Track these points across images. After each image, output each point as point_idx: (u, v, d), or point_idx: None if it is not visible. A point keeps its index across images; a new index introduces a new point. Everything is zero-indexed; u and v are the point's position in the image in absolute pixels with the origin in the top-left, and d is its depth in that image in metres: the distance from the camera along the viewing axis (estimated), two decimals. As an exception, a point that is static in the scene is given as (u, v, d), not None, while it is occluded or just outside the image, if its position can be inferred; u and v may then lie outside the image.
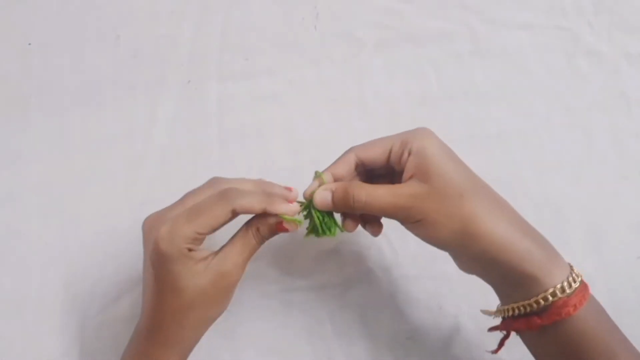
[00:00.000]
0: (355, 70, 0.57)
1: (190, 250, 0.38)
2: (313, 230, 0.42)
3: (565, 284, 0.36)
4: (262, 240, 0.40)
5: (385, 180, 0.43)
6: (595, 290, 0.51)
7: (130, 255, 0.52)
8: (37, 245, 0.52)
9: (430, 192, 0.37)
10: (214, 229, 0.38)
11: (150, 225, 0.39)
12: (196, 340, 0.41)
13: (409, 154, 0.38)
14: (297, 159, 0.55)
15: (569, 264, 0.39)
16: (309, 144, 0.55)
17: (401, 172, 0.39)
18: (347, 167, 0.41)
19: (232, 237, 0.41)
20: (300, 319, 0.51)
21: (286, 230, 0.40)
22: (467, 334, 0.49)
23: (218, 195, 0.38)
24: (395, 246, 0.52)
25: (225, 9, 0.59)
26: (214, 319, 0.41)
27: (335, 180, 0.41)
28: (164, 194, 0.53)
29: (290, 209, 0.39)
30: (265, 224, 0.40)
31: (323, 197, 0.40)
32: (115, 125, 0.55)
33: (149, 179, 0.54)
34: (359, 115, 0.56)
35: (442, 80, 0.57)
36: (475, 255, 0.38)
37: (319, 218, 0.40)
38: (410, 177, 0.38)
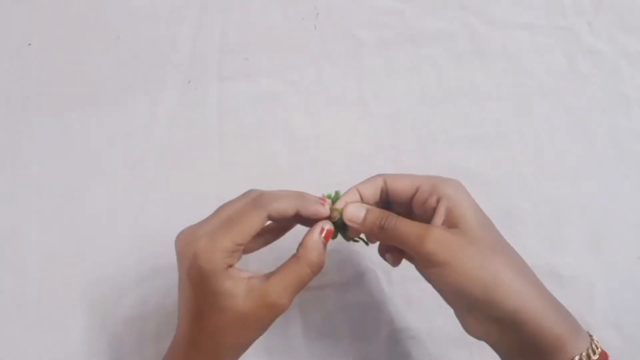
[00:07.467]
0: (355, 70, 0.57)
1: (230, 266, 0.36)
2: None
3: (589, 351, 0.35)
4: (317, 268, 0.37)
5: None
6: (595, 290, 0.51)
7: (130, 255, 0.52)
8: (37, 245, 0.52)
9: (459, 239, 0.36)
10: (251, 237, 0.37)
11: (186, 241, 0.37)
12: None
13: (439, 198, 0.37)
14: (297, 159, 0.55)
15: (589, 333, 0.37)
16: (309, 144, 0.55)
17: (420, 215, 0.39)
18: (373, 191, 0.40)
19: (283, 266, 0.37)
20: (300, 319, 0.51)
21: (332, 236, 0.39)
22: (467, 334, 0.49)
23: (252, 202, 0.37)
24: (395, 246, 0.52)
25: (225, 9, 0.59)
26: (249, 345, 0.38)
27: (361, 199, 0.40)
28: (164, 194, 0.54)
29: (323, 211, 0.38)
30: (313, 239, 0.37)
31: (355, 213, 0.39)
32: (115, 125, 0.56)
33: (149, 179, 0.54)
34: (359, 115, 0.56)
35: (442, 80, 0.57)
36: (498, 315, 0.35)
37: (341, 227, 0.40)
38: (442, 223, 0.37)
